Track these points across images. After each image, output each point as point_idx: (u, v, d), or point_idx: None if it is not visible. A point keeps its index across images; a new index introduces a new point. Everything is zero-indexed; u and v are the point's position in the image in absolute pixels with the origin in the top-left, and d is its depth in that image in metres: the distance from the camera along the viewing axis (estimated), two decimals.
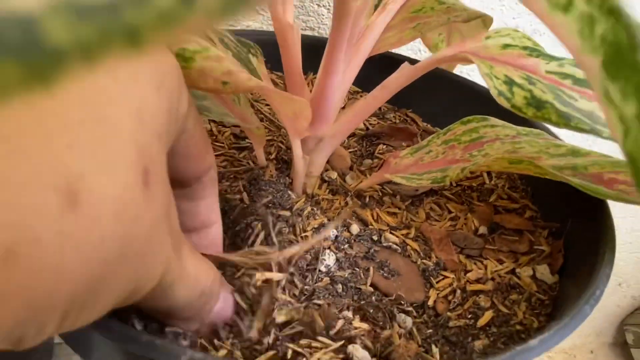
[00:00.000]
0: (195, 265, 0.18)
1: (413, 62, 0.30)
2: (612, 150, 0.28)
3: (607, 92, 0.12)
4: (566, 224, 0.28)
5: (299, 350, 0.21)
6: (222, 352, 0.19)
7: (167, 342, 0.15)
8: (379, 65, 0.34)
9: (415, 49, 0.54)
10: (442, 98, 0.41)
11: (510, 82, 0.23)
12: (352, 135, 0.39)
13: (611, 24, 0.12)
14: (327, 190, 0.32)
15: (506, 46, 0.25)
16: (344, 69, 0.27)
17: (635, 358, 0.93)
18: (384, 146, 0.38)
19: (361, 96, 0.43)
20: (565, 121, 0.21)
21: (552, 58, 0.24)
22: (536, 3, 0.16)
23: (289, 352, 0.20)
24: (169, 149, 0.16)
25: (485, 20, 0.35)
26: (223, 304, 0.20)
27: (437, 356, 0.22)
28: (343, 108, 0.40)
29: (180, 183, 0.20)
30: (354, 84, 0.44)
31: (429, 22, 0.31)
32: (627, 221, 0.80)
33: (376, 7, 0.30)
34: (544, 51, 0.25)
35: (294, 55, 0.27)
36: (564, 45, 0.15)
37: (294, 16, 0.49)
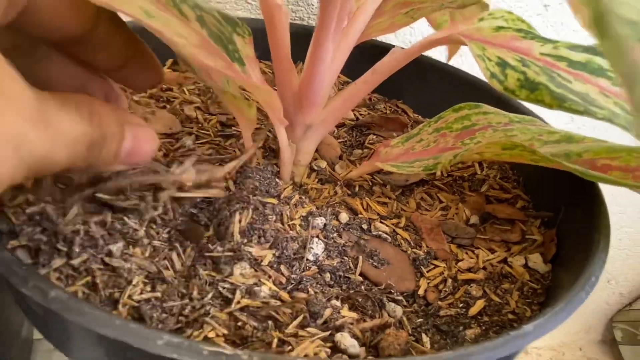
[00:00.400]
0: (71, 120, 0.16)
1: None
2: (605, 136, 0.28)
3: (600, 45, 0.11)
4: (558, 213, 0.28)
5: (285, 339, 0.20)
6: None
7: (142, 326, 0.14)
8: (369, 55, 0.34)
9: (407, 41, 0.53)
10: (434, 89, 0.41)
11: (503, 64, 0.22)
12: (342, 125, 0.38)
13: None
14: (316, 179, 0.31)
15: (499, 28, 0.24)
16: (332, 54, 0.26)
17: (624, 355, 0.94)
18: (374, 136, 0.37)
19: None
20: (559, 102, 0.20)
21: (546, 41, 0.24)
22: None
23: (275, 342, 0.20)
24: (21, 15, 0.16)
25: (481, 5, 0.34)
26: (133, 141, 0.19)
27: (428, 345, 0.21)
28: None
29: (78, 38, 0.19)
30: (343, 73, 0.43)
31: (422, 7, 0.31)
32: (615, 217, 0.80)
33: None
34: (538, 34, 0.24)
35: (282, 39, 0.26)
36: None
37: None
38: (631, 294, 0.93)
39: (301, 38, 0.30)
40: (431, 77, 0.40)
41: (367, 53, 0.35)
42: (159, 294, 0.21)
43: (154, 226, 0.24)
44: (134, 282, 0.21)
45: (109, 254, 0.21)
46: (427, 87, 0.41)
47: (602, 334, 1.01)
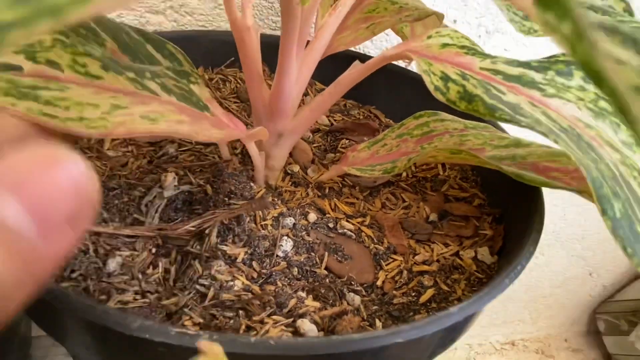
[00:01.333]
0: None
1: (369, 58, 0.32)
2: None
3: (546, 21, 0.14)
4: (508, 210, 0.30)
5: (252, 325, 0.23)
6: None
7: (120, 312, 0.17)
8: (344, 64, 0.36)
9: (382, 47, 0.56)
10: (403, 95, 0.43)
11: (445, 78, 0.25)
12: (317, 130, 0.41)
13: None
14: (290, 182, 0.34)
15: (445, 45, 0.27)
16: (298, 70, 0.29)
17: (607, 345, 0.97)
18: (347, 141, 0.40)
19: None
20: (491, 112, 0.23)
21: (486, 56, 0.26)
22: None
23: (242, 327, 0.22)
24: None
25: (438, 16, 0.37)
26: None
27: (380, 329, 0.24)
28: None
29: None
30: (320, 81, 0.46)
31: (382, 22, 0.33)
32: (596, 211, 0.83)
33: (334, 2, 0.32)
34: (480, 50, 0.27)
35: (252, 58, 0.29)
36: None
37: (259, 18, 0.50)
38: (613, 286, 0.96)
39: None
40: (400, 84, 0.43)
41: (340, 61, 0.38)
42: (154, 297, 0.24)
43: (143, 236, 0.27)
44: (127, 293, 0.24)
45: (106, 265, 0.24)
46: (397, 94, 0.43)
47: (586, 325, 1.04)
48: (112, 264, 0.24)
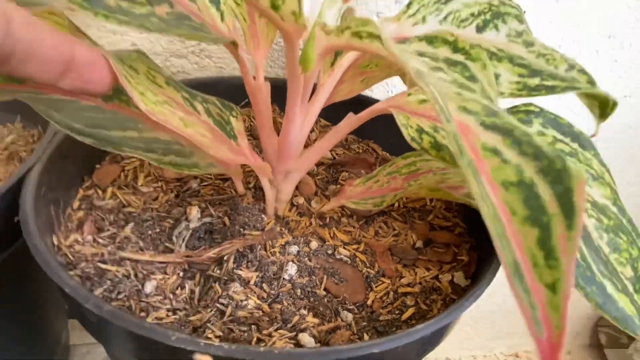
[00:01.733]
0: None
1: (367, 104, 0.37)
2: None
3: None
4: (481, 239, 0.35)
5: (262, 337, 0.28)
6: None
7: (162, 327, 0.22)
8: (349, 106, 0.42)
9: (383, 85, 0.61)
10: (398, 131, 0.48)
11: (420, 130, 0.30)
12: (321, 164, 0.46)
13: None
14: (296, 213, 0.39)
15: (423, 101, 0.32)
16: (302, 119, 0.34)
17: (609, 358, 0.99)
18: (347, 173, 0.45)
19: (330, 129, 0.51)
20: (454, 161, 0.28)
21: None
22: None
23: (254, 340, 0.28)
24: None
25: None
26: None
27: (366, 341, 0.29)
28: (315, 140, 0.47)
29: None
30: (327, 119, 0.51)
31: (375, 75, 0.39)
32: None
33: (332, 63, 0.37)
34: None
35: (263, 110, 0.34)
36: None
37: (270, 59, 0.56)
38: None
39: None
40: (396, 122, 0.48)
41: (346, 103, 0.43)
42: (182, 313, 0.29)
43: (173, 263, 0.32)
44: (160, 311, 0.29)
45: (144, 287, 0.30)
46: (392, 130, 0.48)
47: (589, 338, 1.06)
48: (149, 287, 0.30)
